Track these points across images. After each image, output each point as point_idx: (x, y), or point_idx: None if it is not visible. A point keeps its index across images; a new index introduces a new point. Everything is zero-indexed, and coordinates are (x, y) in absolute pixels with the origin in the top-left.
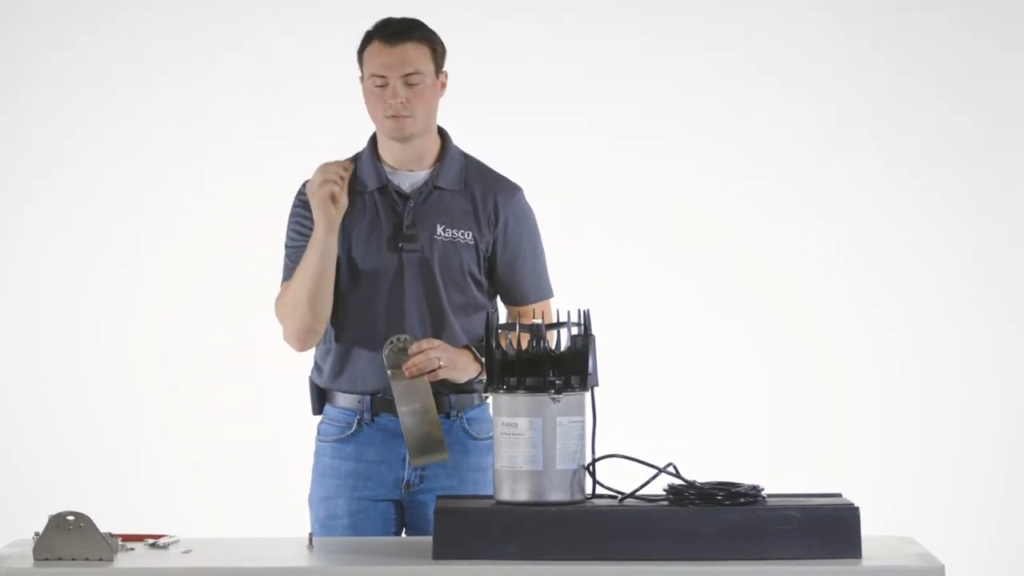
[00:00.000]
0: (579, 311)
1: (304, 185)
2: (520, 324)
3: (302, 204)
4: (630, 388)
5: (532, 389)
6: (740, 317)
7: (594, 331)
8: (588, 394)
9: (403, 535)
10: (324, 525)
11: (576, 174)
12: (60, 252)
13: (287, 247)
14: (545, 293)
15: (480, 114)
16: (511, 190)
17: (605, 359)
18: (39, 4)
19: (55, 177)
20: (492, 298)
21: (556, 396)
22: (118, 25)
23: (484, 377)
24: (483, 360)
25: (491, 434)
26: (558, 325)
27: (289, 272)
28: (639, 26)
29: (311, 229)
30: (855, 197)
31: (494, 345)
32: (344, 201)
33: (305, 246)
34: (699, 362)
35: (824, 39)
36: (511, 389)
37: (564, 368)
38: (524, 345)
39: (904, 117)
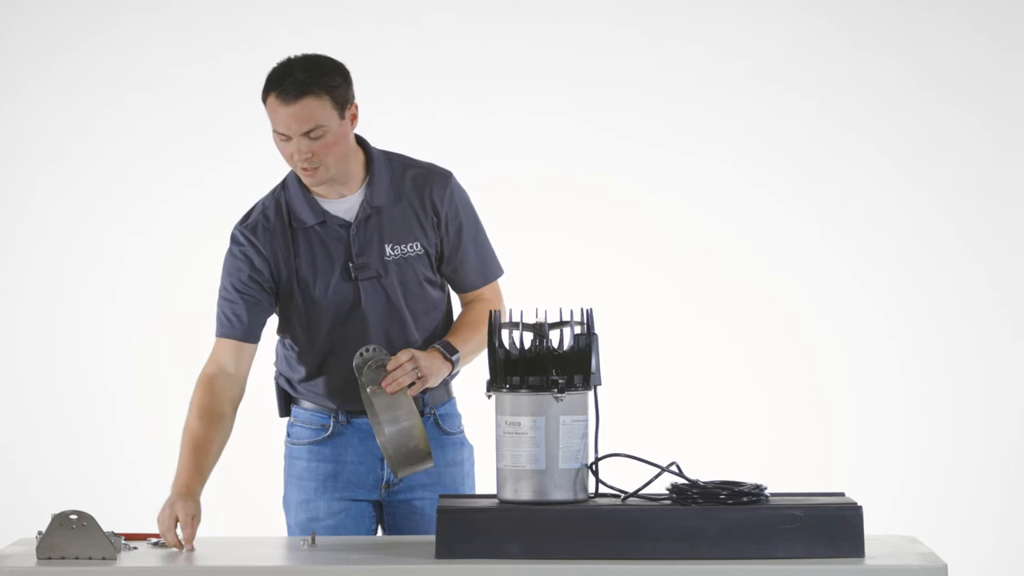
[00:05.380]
0: (582, 310)
1: (241, 230)
2: (523, 323)
3: (244, 257)
4: (633, 387)
5: (535, 388)
6: (743, 317)
7: (597, 330)
8: (591, 393)
9: (379, 534)
10: (305, 528)
11: (578, 175)
12: (61, 255)
13: (223, 298)
14: (492, 275)
15: (481, 115)
16: (443, 181)
17: (608, 358)
18: (42, 6)
19: (57, 178)
20: (443, 289)
21: (559, 395)
22: (121, 28)
23: (456, 371)
24: (452, 359)
25: (462, 428)
26: (561, 324)
27: (226, 326)
28: (639, 29)
29: (251, 286)
30: (855, 199)
31: (497, 344)
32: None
33: (241, 302)
34: (702, 362)
35: (824, 42)
36: (514, 388)
37: (567, 367)
38: (527, 344)
39: (904, 119)
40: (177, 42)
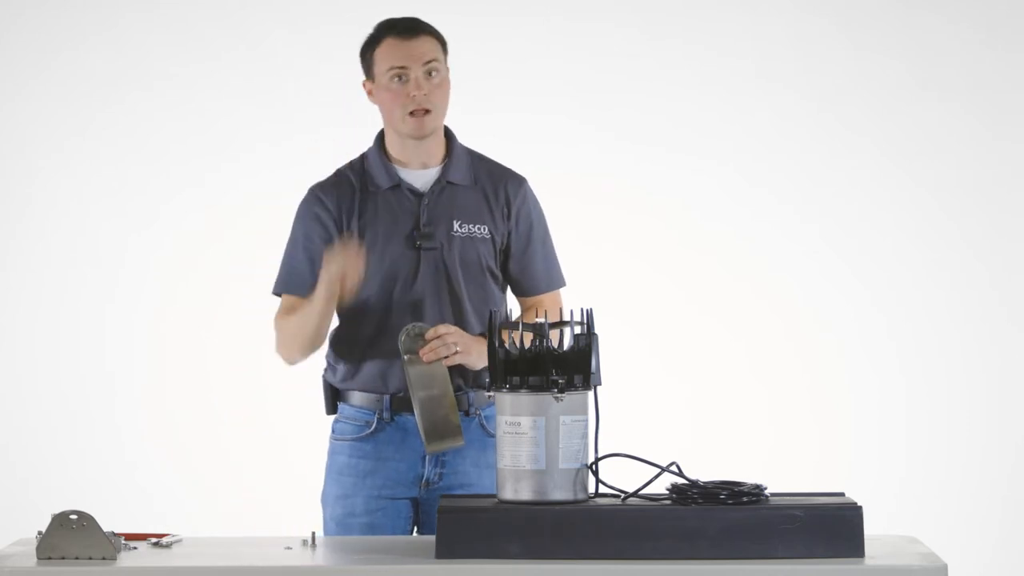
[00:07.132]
0: (582, 310)
1: (313, 190)
2: (523, 323)
3: (313, 216)
4: (633, 387)
5: (535, 388)
6: (743, 317)
7: (597, 330)
8: (591, 393)
9: (414, 532)
10: (341, 523)
11: (578, 175)
12: (61, 255)
13: (293, 256)
14: (556, 283)
15: (481, 115)
16: (519, 180)
17: (608, 358)
18: (42, 6)
19: (57, 178)
20: (504, 291)
21: (559, 395)
22: (121, 28)
23: None
24: None
25: None
26: (561, 324)
27: (291, 283)
28: (639, 29)
29: (324, 239)
30: (855, 199)
31: (497, 344)
32: (354, 284)
33: (314, 257)
34: (702, 362)
35: (825, 42)
36: (514, 388)
37: (567, 367)
38: (527, 344)
39: (904, 119)
40: (177, 42)
